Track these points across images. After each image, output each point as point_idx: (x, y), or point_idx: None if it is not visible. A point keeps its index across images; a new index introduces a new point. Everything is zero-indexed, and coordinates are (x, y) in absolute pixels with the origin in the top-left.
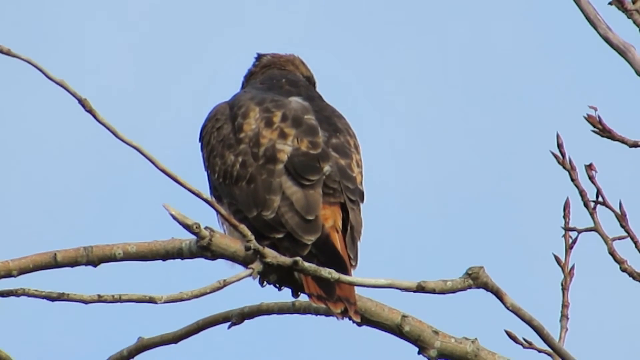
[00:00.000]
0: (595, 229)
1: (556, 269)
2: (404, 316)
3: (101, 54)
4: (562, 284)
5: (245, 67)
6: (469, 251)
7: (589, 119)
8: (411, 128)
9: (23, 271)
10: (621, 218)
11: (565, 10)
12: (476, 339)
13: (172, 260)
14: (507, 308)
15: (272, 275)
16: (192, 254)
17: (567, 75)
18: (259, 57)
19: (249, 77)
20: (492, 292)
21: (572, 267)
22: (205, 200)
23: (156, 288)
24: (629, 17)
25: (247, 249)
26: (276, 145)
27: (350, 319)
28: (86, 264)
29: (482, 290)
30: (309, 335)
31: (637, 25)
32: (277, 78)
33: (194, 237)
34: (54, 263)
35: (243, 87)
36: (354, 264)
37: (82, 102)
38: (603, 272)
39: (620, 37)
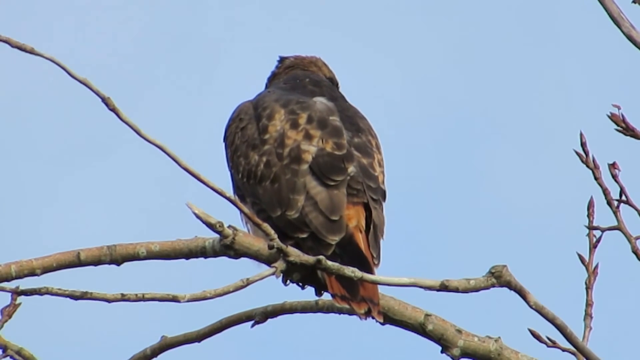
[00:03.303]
0: (619, 227)
1: (580, 268)
2: (427, 315)
3: (122, 52)
4: (586, 283)
5: (268, 67)
6: (492, 250)
7: (613, 117)
8: (432, 126)
9: (46, 270)
10: None
11: (589, 9)
12: (499, 337)
13: (195, 259)
14: (531, 307)
15: (296, 274)
16: (215, 253)
17: (590, 74)
18: (282, 59)
19: (272, 79)
20: (515, 290)
21: (596, 266)
22: (229, 199)
23: (179, 287)
24: None
25: (271, 247)
26: (301, 146)
27: (373, 318)
28: (109, 263)
29: (505, 288)
30: (332, 334)
31: None
32: (300, 78)
33: (217, 235)
34: (77, 262)
35: (266, 88)
36: (376, 262)
37: (106, 101)
38: (627, 270)
39: None
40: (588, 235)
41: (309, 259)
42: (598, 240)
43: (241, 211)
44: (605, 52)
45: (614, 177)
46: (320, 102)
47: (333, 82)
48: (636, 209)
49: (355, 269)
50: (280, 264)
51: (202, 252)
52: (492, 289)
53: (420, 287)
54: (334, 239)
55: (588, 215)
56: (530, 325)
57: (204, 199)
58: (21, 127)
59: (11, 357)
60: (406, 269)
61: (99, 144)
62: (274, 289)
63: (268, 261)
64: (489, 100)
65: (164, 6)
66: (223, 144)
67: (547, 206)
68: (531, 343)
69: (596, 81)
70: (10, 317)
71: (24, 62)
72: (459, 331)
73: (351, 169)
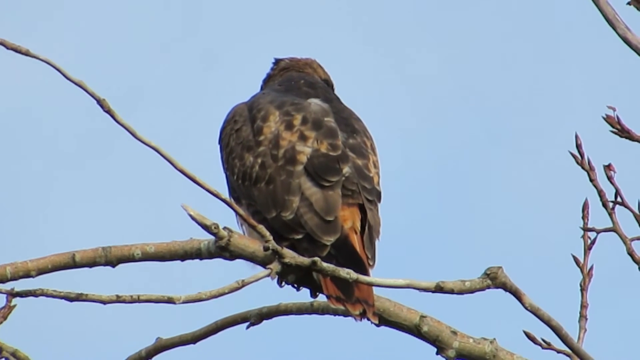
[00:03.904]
0: (614, 229)
1: (575, 270)
2: (422, 316)
3: (118, 53)
4: (580, 285)
5: (263, 70)
6: (487, 251)
7: (608, 119)
8: (428, 127)
9: (42, 271)
10: None
11: (584, 11)
12: (494, 339)
13: (190, 261)
14: (526, 308)
15: (291, 275)
16: (210, 254)
17: (585, 76)
18: (277, 61)
19: (268, 81)
20: (510, 292)
21: (591, 268)
22: (224, 200)
23: (175, 288)
24: None
25: (266, 249)
26: (296, 147)
27: (368, 320)
28: (105, 265)
29: (500, 290)
30: (327, 336)
31: None
32: (295, 79)
33: (212, 237)
34: (72, 263)
35: (261, 90)
36: (371, 263)
37: (101, 103)
38: (622, 272)
39: (639, 37)
40: (583, 236)
41: (304, 260)
42: (593, 242)
43: (236, 213)
44: (601, 54)
45: (609, 178)
46: (315, 103)
47: (328, 84)
48: (631, 211)
49: (351, 271)
50: (275, 266)
51: (197, 254)
52: (487, 290)
53: (416, 288)
54: (329, 240)
55: (583, 217)
56: (526, 326)
57: (200, 200)
58: (17, 128)
59: (6, 358)
60: (401, 270)
61: (94, 145)
62: (269, 291)
63: (263, 263)
64: (485, 101)
65: (161, 6)
66: (218, 146)
67: (542, 208)
68: (526, 344)
69: (591, 83)
70: (5, 318)
71: (20, 64)
72: (454, 333)
73: (346, 169)
